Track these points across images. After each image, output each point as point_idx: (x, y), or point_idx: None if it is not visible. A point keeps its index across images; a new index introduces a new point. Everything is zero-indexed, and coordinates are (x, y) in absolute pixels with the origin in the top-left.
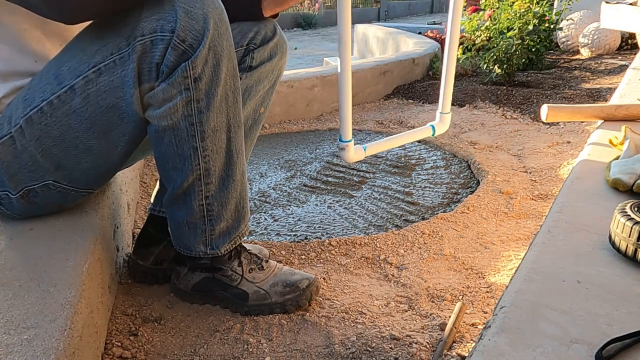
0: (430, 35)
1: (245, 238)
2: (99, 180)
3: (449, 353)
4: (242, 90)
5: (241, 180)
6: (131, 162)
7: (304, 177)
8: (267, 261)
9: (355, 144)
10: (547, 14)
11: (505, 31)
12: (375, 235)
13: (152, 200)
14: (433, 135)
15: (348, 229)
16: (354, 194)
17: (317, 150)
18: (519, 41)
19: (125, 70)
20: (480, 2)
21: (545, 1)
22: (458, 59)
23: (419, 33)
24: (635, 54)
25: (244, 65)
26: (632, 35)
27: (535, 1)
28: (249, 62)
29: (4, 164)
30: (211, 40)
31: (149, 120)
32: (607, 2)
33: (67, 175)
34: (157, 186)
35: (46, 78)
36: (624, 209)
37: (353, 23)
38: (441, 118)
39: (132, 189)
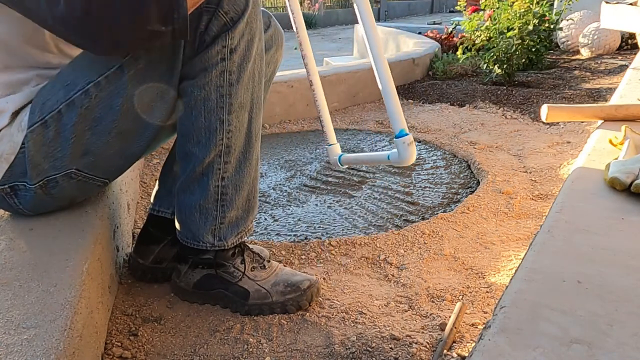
0: (430, 35)
1: (248, 238)
2: (117, 170)
3: (449, 353)
4: None
5: (255, 167)
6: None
7: (304, 177)
8: (268, 261)
9: (342, 152)
10: (547, 14)
11: (505, 31)
12: (375, 235)
13: (152, 201)
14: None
15: (348, 229)
16: (354, 194)
17: (317, 150)
18: (519, 41)
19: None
20: (480, 2)
21: (545, 1)
22: (458, 59)
23: (419, 33)
24: (635, 54)
25: None
26: (632, 35)
27: (535, 1)
28: None
29: (30, 153)
30: (249, 17)
31: (181, 93)
32: (607, 2)
33: (91, 162)
34: (157, 187)
35: (88, 61)
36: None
37: (353, 23)
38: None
39: (132, 189)
